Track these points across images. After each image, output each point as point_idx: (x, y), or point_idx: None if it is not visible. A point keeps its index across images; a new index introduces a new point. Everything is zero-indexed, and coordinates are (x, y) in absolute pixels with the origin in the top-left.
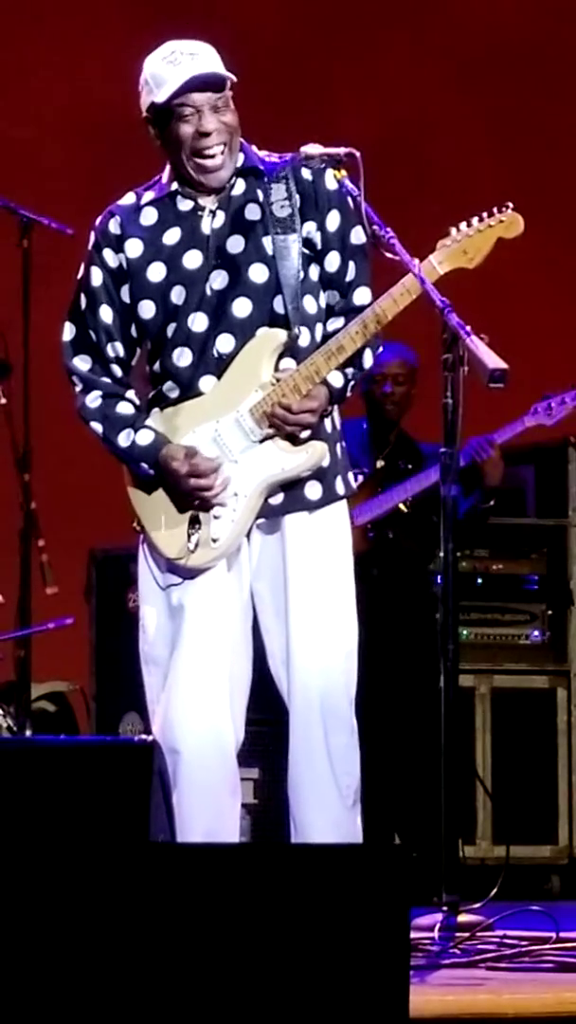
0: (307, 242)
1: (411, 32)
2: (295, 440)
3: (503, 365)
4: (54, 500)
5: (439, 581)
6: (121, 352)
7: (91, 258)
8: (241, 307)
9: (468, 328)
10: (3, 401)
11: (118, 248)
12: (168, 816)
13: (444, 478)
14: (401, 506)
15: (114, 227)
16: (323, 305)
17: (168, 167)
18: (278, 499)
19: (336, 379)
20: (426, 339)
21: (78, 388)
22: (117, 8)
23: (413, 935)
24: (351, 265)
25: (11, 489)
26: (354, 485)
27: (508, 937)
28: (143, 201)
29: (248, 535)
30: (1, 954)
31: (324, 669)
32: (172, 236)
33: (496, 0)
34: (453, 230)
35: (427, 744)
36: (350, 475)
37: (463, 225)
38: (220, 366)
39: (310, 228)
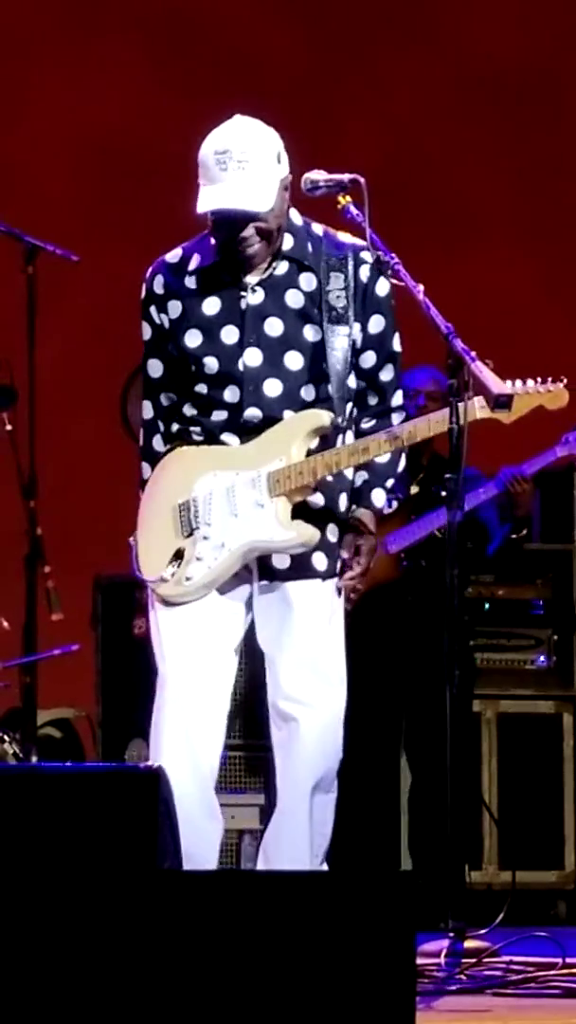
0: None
1: (416, 60)
2: (295, 514)
3: (508, 391)
4: (60, 526)
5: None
6: (175, 399)
7: (143, 312)
8: (272, 387)
9: (473, 353)
10: (9, 428)
11: (161, 307)
12: (174, 843)
13: (449, 504)
14: (436, 532)
15: (158, 286)
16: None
17: None
18: (284, 563)
19: (379, 499)
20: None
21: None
22: (125, 37)
23: (419, 961)
24: (388, 367)
25: (17, 515)
26: None
27: (514, 963)
28: (190, 266)
29: (251, 583)
30: (8, 980)
31: (316, 729)
32: (211, 307)
33: (501, 29)
34: None
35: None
36: None
37: (508, 383)
38: (248, 431)
39: (356, 327)
